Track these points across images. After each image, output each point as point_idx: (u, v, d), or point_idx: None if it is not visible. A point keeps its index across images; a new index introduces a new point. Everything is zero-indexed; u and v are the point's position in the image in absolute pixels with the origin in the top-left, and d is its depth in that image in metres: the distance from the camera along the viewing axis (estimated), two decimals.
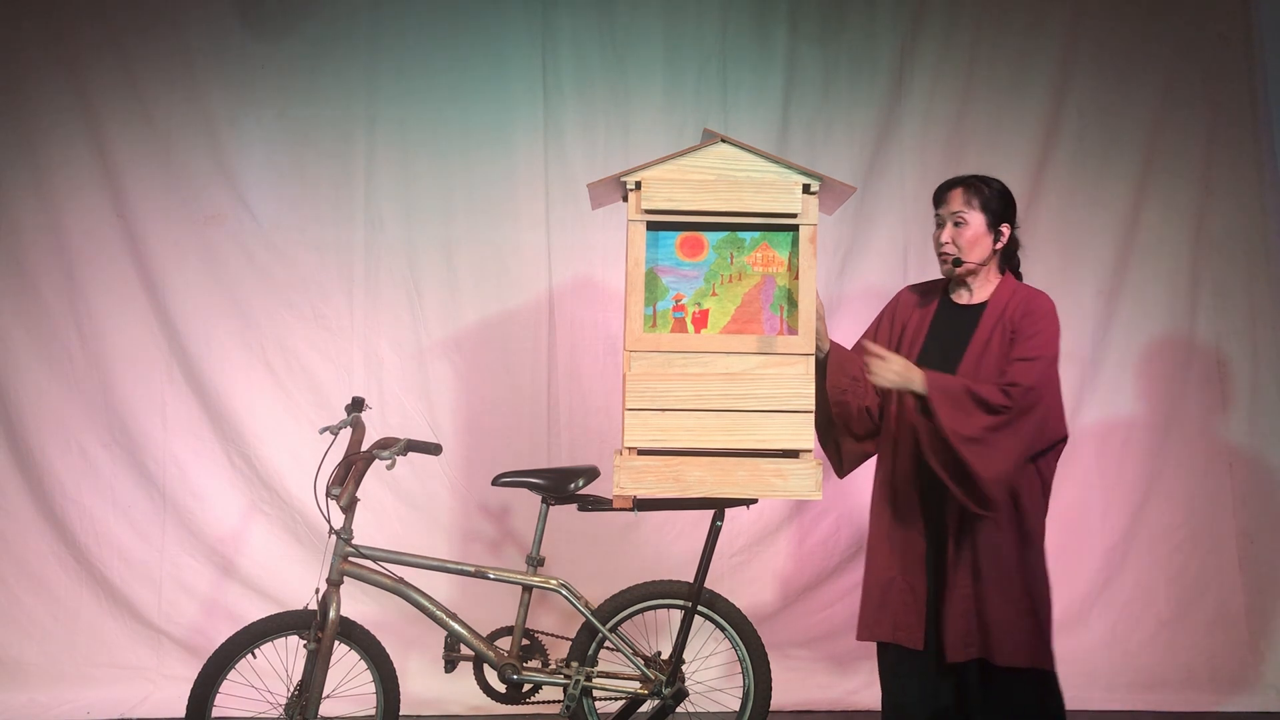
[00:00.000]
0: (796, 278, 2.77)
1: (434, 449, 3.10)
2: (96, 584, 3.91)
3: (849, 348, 2.95)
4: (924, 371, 2.71)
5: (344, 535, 2.96)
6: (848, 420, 2.89)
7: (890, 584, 2.83)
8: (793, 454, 2.71)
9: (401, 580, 3.02)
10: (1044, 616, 2.80)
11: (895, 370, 2.72)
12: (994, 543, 2.74)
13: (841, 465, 3.00)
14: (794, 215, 2.75)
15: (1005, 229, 2.86)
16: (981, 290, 2.89)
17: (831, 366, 2.85)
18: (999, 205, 2.85)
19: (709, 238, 2.80)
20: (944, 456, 2.68)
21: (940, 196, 2.89)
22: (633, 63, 4.09)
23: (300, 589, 3.54)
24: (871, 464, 3.02)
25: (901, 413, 2.85)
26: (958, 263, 2.83)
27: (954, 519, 2.77)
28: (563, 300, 4.06)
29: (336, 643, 2.93)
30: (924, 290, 3.02)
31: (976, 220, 2.83)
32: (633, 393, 2.74)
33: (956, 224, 2.83)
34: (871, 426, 2.93)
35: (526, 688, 3.05)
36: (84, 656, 3.87)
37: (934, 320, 2.91)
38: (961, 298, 2.91)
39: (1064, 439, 2.83)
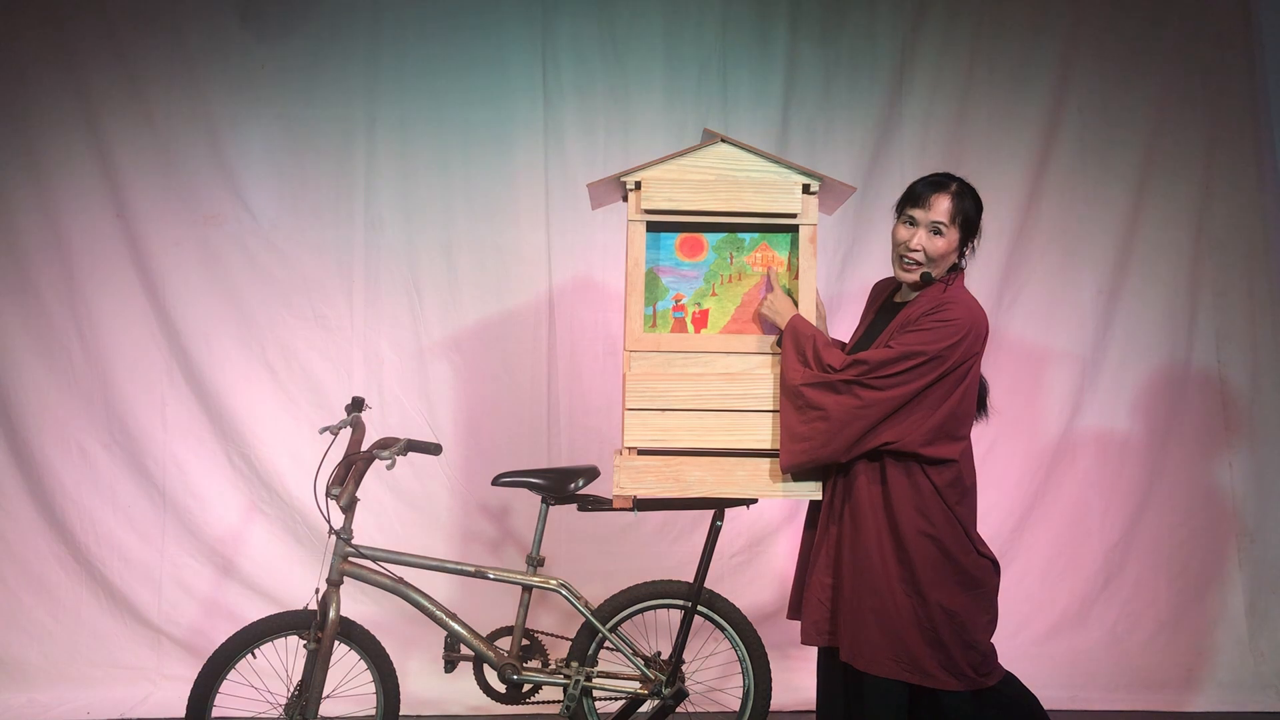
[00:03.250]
0: (796, 278, 2.78)
1: (434, 449, 3.10)
2: (96, 584, 3.91)
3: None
4: (794, 313, 2.71)
5: (344, 535, 2.96)
6: None
7: (799, 567, 2.83)
8: None
9: (401, 580, 3.02)
10: (932, 635, 2.54)
11: (771, 305, 2.74)
12: (858, 540, 2.58)
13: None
14: (794, 215, 2.76)
15: (971, 245, 2.69)
16: (915, 291, 2.72)
17: None
18: (976, 223, 2.66)
19: (709, 238, 2.80)
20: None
21: (922, 198, 2.63)
22: (633, 63, 4.08)
23: (300, 589, 3.55)
24: None
25: None
26: (927, 277, 2.63)
27: (830, 506, 2.68)
28: (563, 300, 4.06)
29: (336, 643, 2.93)
30: (886, 284, 2.91)
31: (953, 236, 2.62)
32: (633, 393, 2.75)
33: (935, 233, 2.61)
34: None
35: (526, 688, 3.05)
36: (84, 656, 3.87)
37: (875, 317, 2.82)
38: (898, 296, 2.80)
39: (945, 462, 2.54)
